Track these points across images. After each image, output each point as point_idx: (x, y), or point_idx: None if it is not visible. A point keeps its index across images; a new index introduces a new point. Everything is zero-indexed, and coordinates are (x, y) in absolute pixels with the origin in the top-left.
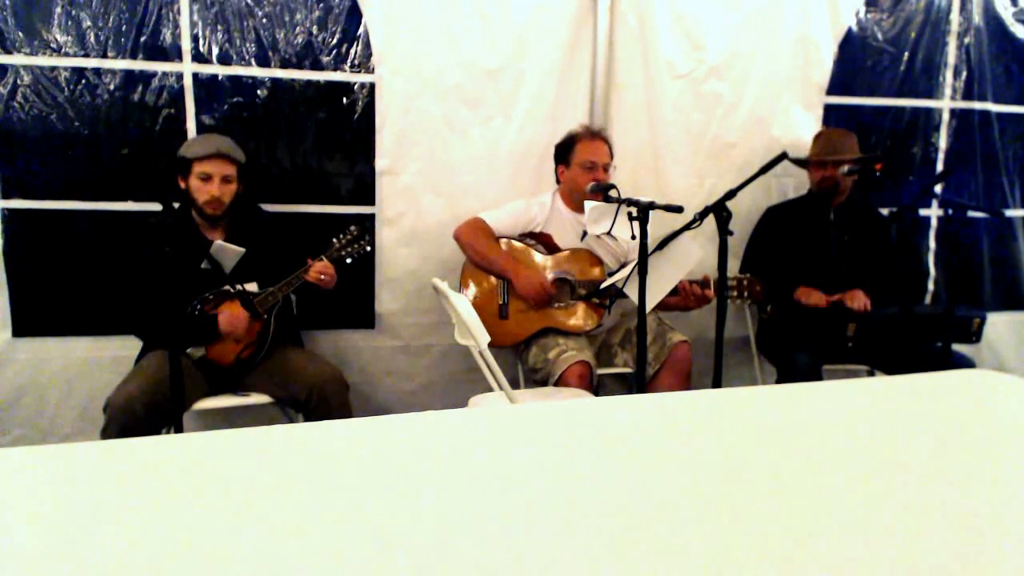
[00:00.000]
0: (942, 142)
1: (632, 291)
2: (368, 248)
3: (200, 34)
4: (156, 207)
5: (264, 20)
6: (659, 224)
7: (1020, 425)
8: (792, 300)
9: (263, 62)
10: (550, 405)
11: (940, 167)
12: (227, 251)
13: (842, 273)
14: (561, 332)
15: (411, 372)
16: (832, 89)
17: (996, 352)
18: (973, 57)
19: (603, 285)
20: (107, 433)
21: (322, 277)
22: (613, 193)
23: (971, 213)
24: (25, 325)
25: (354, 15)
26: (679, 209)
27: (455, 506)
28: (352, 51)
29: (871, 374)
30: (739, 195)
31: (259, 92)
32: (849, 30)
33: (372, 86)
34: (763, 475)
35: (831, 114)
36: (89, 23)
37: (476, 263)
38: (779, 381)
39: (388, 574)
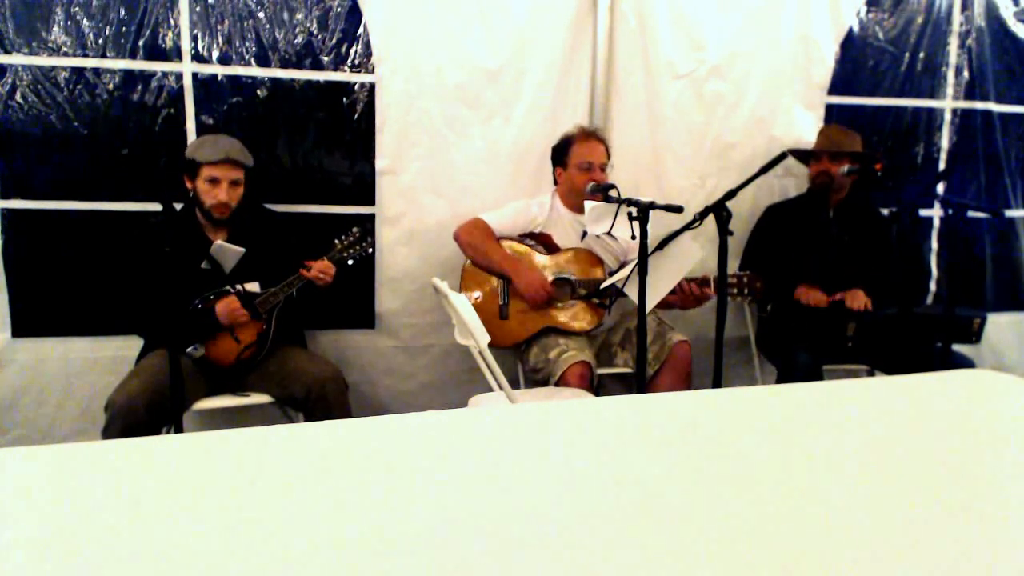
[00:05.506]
0: (944, 142)
1: (632, 291)
2: (370, 250)
3: (200, 34)
4: (156, 207)
5: (264, 20)
6: (659, 224)
7: (1020, 425)
8: (792, 299)
9: (263, 62)
10: (550, 405)
11: (942, 167)
12: (227, 251)
13: (842, 273)
14: (562, 332)
15: (411, 372)
16: (833, 89)
17: (997, 352)
18: (975, 57)
19: (603, 285)
20: (108, 432)
21: (321, 276)
22: (613, 193)
23: (972, 213)
24: (25, 325)
25: (354, 15)
26: (679, 209)
27: (455, 506)
28: (352, 51)
29: (871, 374)
30: (740, 195)
31: (259, 92)
32: (850, 30)
33: (372, 86)
34: (763, 475)
35: (832, 114)
36: (89, 23)
37: (477, 263)
38: (779, 380)
39: (388, 574)
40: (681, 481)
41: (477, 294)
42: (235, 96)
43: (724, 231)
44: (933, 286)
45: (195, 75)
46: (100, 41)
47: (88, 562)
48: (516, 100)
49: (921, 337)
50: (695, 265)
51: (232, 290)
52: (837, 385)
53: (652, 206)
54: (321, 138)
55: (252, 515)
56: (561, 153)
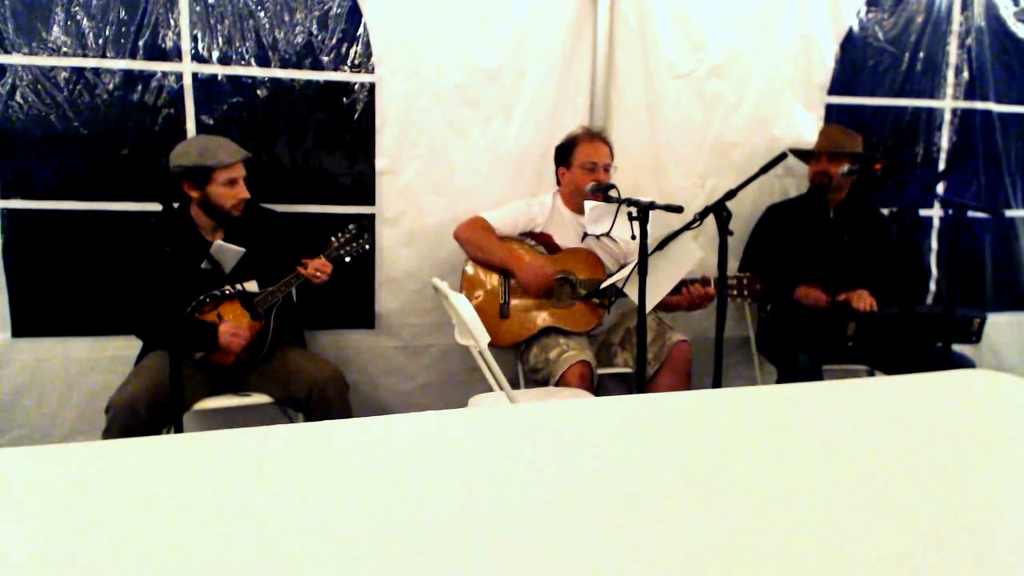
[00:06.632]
0: (944, 142)
1: (632, 291)
2: (367, 247)
3: (200, 34)
4: (156, 207)
5: (264, 20)
6: (659, 224)
7: (1020, 425)
8: (792, 299)
9: (263, 62)
10: (550, 405)
11: (942, 167)
12: (227, 251)
13: (842, 273)
14: (562, 332)
15: (411, 372)
16: (833, 89)
17: (996, 352)
18: (974, 57)
19: (603, 285)
20: (109, 434)
21: (317, 273)
22: (613, 193)
23: (971, 213)
24: (25, 325)
25: (354, 15)
26: (679, 209)
27: (455, 506)
28: (352, 51)
29: (871, 374)
30: (740, 195)
31: (259, 92)
32: (850, 30)
33: (372, 86)
34: (763, 475)
35: (833, 114)
36: (89, 23)
37: (476, 258)
38: (779, 381)
39: (388, 574)
40: (681, 481)
41: (478, 293)
42: (235, 96)
43: (724, 231)
44: (933, 286)
45: (195, 75)
46: (100, 41)
47: (88, 562)
48: (516, 100)
49: (921, 337)
50: (695, 265)
51: (231, 290)
52: (837, 385)
53: (652, 206)
54: (321, 138)
55: (252, 515)
56: (565, 153)
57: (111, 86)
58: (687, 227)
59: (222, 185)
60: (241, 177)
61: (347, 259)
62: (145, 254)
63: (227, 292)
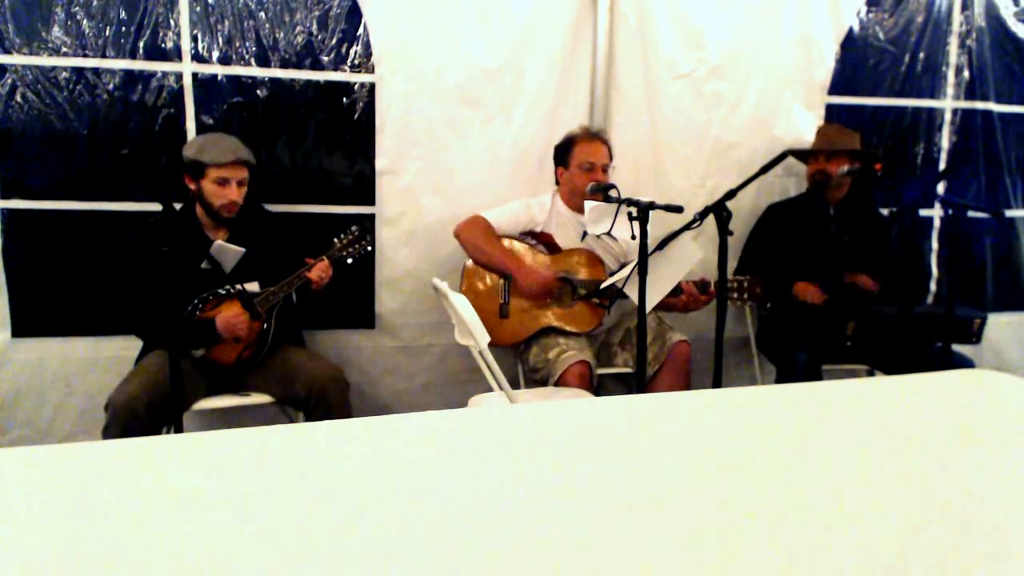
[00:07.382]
0: (944, 142)
1: (632, 291)
2: (369, 248)
3: (200, 34)
4: (156, 207)
5: (264, 20)
6: (659, 224)
7: (1020, 425)
8: (791, 298)
9: (263, 62)
10: (550, 405)
11: (942, 167)
12: (227, 251)
13: (842, 272)
14: (562, 332)
15: (411, 372)
16: (834, 89)
17: (997, 352)
18: (975, 57)
19: (603, 285)
20: (108, 432)
21: (323, 276)
22: (613, 193)
23: (972, 213)
24: (25, 325)
25: (354, 15)
26: (679, 209)
27: (455, 506)
28: (352, 51)
29: (871, 374)
30: (740, 195)
31: (259, 92)
32: (851, 30)
33: (372, 86)
34: (763, 475)
35: (833, 114)
36: (89, 23)
37: (476, 260)
38: (779, 380)
39: (388, 574)
40: (681, 481)
41: (478, 292)
42: (235, 96)
43: (724, 231)
44: (933, 286)
45: (195, 75)
46: (100, 41)
47: (88, 562)
48: (516, 100)
49: (921, 337)
50: (695, 265)
51: (232, 290)
52: (837, 385)
53: (652, 206)
54: (321, 138)
55: (252, 515)
56: (563, 153)
57: (111, 86)
58: (687, 227)
59: (212, 183)
60: (235, 180)
61: (349, 260)
62: (145, 254)
63: (228, 292)
